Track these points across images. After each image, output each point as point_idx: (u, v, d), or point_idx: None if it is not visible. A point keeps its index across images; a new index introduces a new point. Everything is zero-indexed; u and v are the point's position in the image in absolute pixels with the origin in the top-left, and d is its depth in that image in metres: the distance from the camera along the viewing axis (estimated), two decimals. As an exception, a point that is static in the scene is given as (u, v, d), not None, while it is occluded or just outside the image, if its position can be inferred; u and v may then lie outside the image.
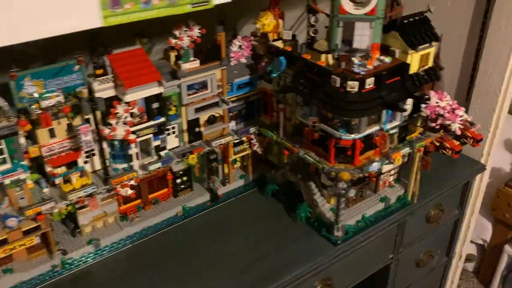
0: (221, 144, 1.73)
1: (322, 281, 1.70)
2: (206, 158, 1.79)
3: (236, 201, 1.89)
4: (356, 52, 1.51)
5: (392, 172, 1.86)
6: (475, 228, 2.95)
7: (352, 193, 1.56)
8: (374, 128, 1.53)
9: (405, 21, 1.53)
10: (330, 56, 1.53)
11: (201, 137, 1.73)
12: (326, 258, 1.63)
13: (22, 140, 1.38)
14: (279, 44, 1.67)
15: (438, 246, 2.28)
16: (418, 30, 1.54)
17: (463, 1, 2.01)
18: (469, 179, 2.13)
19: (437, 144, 1.79)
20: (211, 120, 1.74)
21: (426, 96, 1.56)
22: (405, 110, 1.46)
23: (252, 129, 1.79)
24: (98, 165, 1.57)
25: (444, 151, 1.80)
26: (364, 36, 1.48)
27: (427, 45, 1.54)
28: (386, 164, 1.62)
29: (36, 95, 1.36)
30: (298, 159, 1.75)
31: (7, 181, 1.34)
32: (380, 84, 1.41)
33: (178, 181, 1.80)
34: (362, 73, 1.39)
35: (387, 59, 1.46)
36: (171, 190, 1.81)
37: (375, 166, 1.57)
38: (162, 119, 1.57)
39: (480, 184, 2.24)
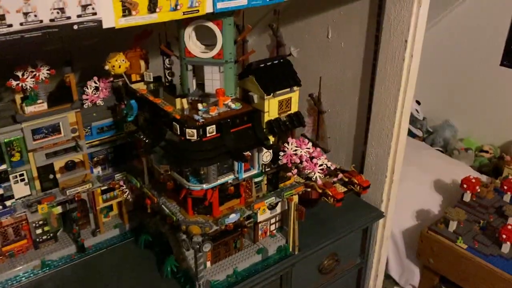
0: (77, 192, 1.60)
1: None
2: (67, 207, 1.66)
3: (107, 252, 1.75)
4: (209, 97, 1.42)
5: (272, 221, 1.75)
6: (402, 274, 2.85)
7: (207, 248, 1.43)
8: (228, 177, 1.42)
9: (262, 65, 1.45)
10: (185, 100, 1.44)
11: (57, 184, 1.60)
12: (186, 318, 1.50)
13: None
14: (141, 85, 1.57)
15: (343, 297, 2.16)
16: (276, 75, 1.45)
17: (354, 43, 1.96)
18: (367, 226, 2.03)
19: (320, 191, 1.69)
20: (69, 166, 1.61)
21: (281, 145, 1.47)
22: (246, 160, 1.36)
23: (118, 176, 1.68)
24: None
25: (327, 199, 1.70)
26: (215, 80, 1.40)
27: (286, 90, 1.46)
28: (248, 214, 1.51)
29: None
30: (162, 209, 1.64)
31: None
32: (224, 132, 1.32)
33: (39, 231, 1.66)
34: (202, 120, 1.30)
35: (235, 105, 1.37)
36: (30, 241, 1.66)
37: (232, 218, 1.46)
38: (3, 166, 1.45)
39: (384, 232, 2.14)
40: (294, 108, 1.50)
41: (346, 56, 2.01)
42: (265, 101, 1.43)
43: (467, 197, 2.61)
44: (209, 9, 1.14)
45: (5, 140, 1.44)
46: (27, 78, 1.43)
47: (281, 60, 1.48)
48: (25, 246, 1.66)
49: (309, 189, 1.68)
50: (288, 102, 1.48)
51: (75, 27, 0.94)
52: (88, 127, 1.60)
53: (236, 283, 1.61)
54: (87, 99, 1.54)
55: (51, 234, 1.70)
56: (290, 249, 1.73)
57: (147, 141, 1.39)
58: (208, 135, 1.30)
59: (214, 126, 1.30)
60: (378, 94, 1.89)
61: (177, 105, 1.44)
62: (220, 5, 1.14)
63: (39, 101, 1.48)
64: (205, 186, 1.38)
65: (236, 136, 1.34)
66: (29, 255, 1.66)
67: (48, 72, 1.45)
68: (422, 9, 1.67)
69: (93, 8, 0.95)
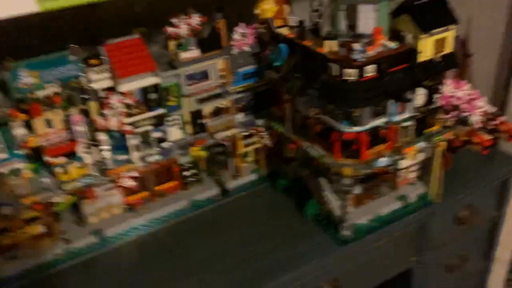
0: (225, 137, 1.68)
1: (329, 283, 1.61)
2: (214, 151, 1.75)
3: (246, 195, 1.83)
4: (361, 37, 1.40)
5: (413, 168, 1.71)
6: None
7: (357, 190, 1.45)
8: (380, 120, 1.40)
9: (417, 3, 1.38)
10: (334, 42, 1.42)
11: (204, 129, 1.68)
12: (331, 259, 1.54)
13: (21, 130, 1.41)
14: (285, 31, 1.58)
15: (473, 250, 2.10)
16: (432, 13, 1.39)
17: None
18: (507, 177, 1.93)
19: (465, 139, 1.63)
20: (216, 112, 1.69)
21: (439, 86, 1.41)
22: (409, 100, 1.33)
23: (259, 122, 1.72)
24: (98, 156, 1.57)
25: (473, 147, 1.63)
26: (369, 20, 1.36)
27: (442, 28, 1.39)
28: (397, 159, 1.49)
29: (32, 85, 1.37)
30: (307, 153, 1.66)
31: (4, 170, 1.37)
32: (383, 72, 1.29)
33: (187, 173, 1.77)
34: (362, 60, 1.28)
35: (392, 45, 1.33)
36: (179, 182, 1.78)
37: (383, 162, 1.45)
38: (161, 110, 1.54)
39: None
40: (448, 49, 1.43)
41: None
42: (421, 41, 1.37)
43: None
44: None
45: (165, 85, 1.52)
46: (181, 25, 1.49)
47: (437, -3, 1.40)
48: (175, 186, 1.78)
49: (454, 136, 1.62)
50: (443, 42, 1.41)
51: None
52: (234, 73, 1.64)
53: (377, 228, 1.61)
54: (235, 45, 1.58)
55: (197, 177, 1.80)
56: (431, 197, 1.70)
57: (298, 84, 1.40)
58: (366, 75, 1.28)
59: (373, 66, 1.28)
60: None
61: (326, 47, 1.43)
62: None
63: (191, 48, 1.54)
64: (357, 128, 1.37)
65: (393, 76, 1.31)
66: (178, 195, 1.78)
67: (199, 19, 1.50)
68: None
69: None
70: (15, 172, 1.39)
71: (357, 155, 1.46)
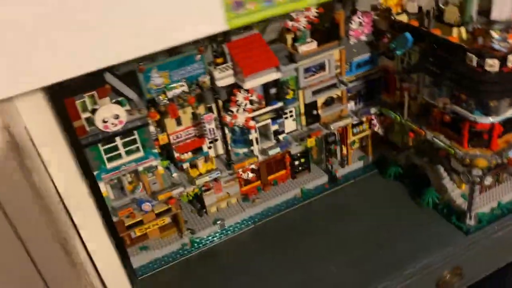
0: (339, 127, 1.68)
1: (452, 271, 1.60)
2: (324, 140, 1.76)
3: (355, 183, 1.84)
4: (494, 24, 1.34)
5: (534, 154, 1.65)
6: None
7: (488, 181, 1.42)
8: (516, 110, 1.36)
9: (559, -17, 1.30)
10: (463, 29, 1.38)
11: (318, 119, 1.69)
12: (457, 248, 1.53)
13: (151, 129, 1.46)
14: (403, 17, 1.54)
15: None
16: None
17: None
18: None
19: None
20: (329, 102, 1.69)
21: None
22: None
23: (373, 110, 1.71)
24: (220, 150, 1.62)
25: None
26: (505, 5, 1.30)
27: None
28: (528, 148, 1.44)
29: (163, 86, 1.42)
30: (425, 141, 1.64)
31: (140, 168, 1.44)
32: (525, 61, 1.24)
33: (296, 163, 1.80)
34: (504, 49, 1.23)
35: (534, 32, 1.27)
36: (289, 171, 1.81)
37: (516, 151, 1.40)
38: (280, 104, 1.56)
39: None
40: None
41: None
42: (561, 25, 1.30)
43: None
44: None
45: (284, 79, 1.53)
46: (300, 17, 1.48)
47: None
48: (285, 175, 1.81)
49: None
50: None
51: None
52: (348, 63, 1.63)
53: (501, 216, 1.58)
54: (352, 35, 1.56)
55: (306, 165, 1.82)
56: (555, 183, 1.64)
57: (435, 72, 1.36)
58: (509, 65, 1.23)
59: (516, 55, 1.23)
60: None
61: (454, 34, 1.39)
62: None
63: (308, 40, 1.54)
64: (493, 119, 1.33)
65: (536, 65, 1.25)
66: (289, 184, 1.81)
67: (317, 11, 1.49)
68: None
69: None
70: (150, 169, 1.45)
71: (486, 144, 1.43)
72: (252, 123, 1.49)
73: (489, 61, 1.23)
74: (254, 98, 1.47)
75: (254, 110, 1.52)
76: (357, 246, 1.57)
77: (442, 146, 1.47)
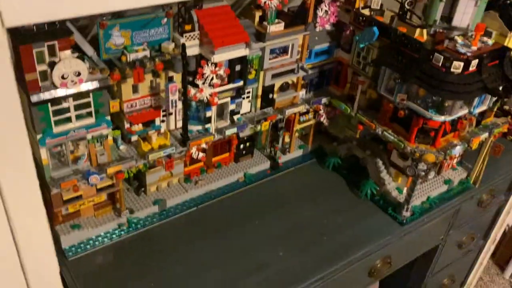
0: (293, 113, 1.67)
1: (383, 259, 1.70)
2: (273, 125, 1.74)
3: (296, 171, 1.85)
4: (454, 30, 1.44)
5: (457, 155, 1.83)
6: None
7: (431, 175, 1.53)
8: (463, 111, 1.48)
9: (508, 1, 1.45)
10: (424, 31, 1.46)
11: (272, 104, 1.67)
12: (393, 237, 1.62)
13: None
14: (366, 12, 1.59)
15: (479, 229, 2.29)
16: (519, 12, 1.46)
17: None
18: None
19: (505, 130, 1.76)
20: (284, 88, 1.67)
21: None
22: (501, 96, 1.41)
23: (324, 100, 1.73)
24: (172, 125, 1.51)
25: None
26: (467, 14, 1.41)
27: (526, 28, 1.47)
28: (466, 148, 1.58)
29: (123, 47, 1.28)
30: (367, 135, 1.71)
31: (89, 136, 1.28)
32: (481, 67, 1.36)
33: (241, 146, 1.75)
34: (468, 53, 1.33)
35: (490, 41, 1.40)
36: (233, 155, 1.76)
37: (457, 150, 1.53)
38: (241, 83, 1.51)
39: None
40: (526, 48, 1.52)
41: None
42: (507, 39, 1.45)
43: None
44: None
45: (250, 58, 1.48)
46: (273, -4, 1.44)
47: (523, -2, 1.48)
48: (228, 158, 1.75)
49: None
50: (524, 42, 1.49)
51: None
52: (308, 50, 1.63)
53: (429, 209, 1.72)
54: (319, 23, 1.56)
55: (250, 150, 1.79)
56: (472, 182, 1.83)
57: (400, 68, 1.42)
58: (470, 69, 1.34)
59: (477, 60, 1.33)
60: None
61: (417, 34, 1.46)
62: None
63: (276, 21, 1.51)
64: (446, 118, 1.44)
65: (490, 71, 1.38)
66: (232, 168, 1.76)
67: (288, -9, 1.46)
68: None
69: None
70: (100, 138, 1.30)
71: (431, 142, 1.53)
72: (216, 99, 1.42)
73: (455, 63, 1.31)
74: (221, 72, 1.39)
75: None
76: (299, 235, 1.57)
77: (391, 140, 1.55)
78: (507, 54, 1.41)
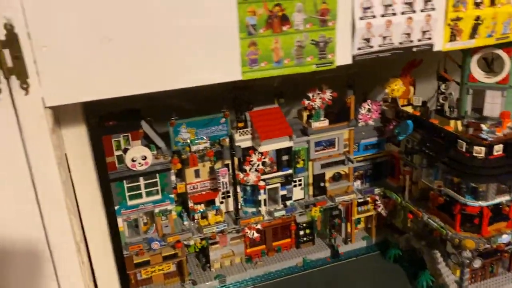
0: (344, 201, 1.81)
1: None
2: (329, 213, 1.88)
3: (356, 261, 1.91)
4: (486, 119, 1.51)
5: (527, 250, 1.71)
6: None
7: (477, 264, 1.49)
8: (504, 198, 1.47)
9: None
10: (459, 122, 1.55)
11: (325, 192, 1.83)
12: (445, 332, 1.55)
13: (172, 177, 1.64)
14: (409, 109, 1.73)
15: None
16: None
17: None
18: None
19: None
20: (336, 177, 1.83)
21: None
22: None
23: (376, 190, 1.84)
24: (231, 207, 1.76)
25: None
26: (495, 104, 1.48)
27: None
28: (519, 238, 1.52)
29: (188, 140, 1.62)
30: (423, 225, 1.74)
31: (156, 210, 1.60)
32: (509, 152, 1.38)
33: (301, 233, 1.90)
34: (490, 139, 1.38)
35: (520, 128, 1.43)
36: (293, 240, 1.91)
37: (505, 238, 1.49)
38: (290, 171, 1.72)
39: None
40: None
41: None
42: (544, 126, 1.45)
43: None
44: (515, 35, 1.24)
45: (297, 149, 1.71)
46: (316, 98, 1.69)
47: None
48: (289, 244, 1.91)
49: None
50: None
51: (414, 49, 1.13)
52: (356, 144, 1.80)
53: (493, 308, 1.61)
54: (361, 119, 1.75)
55: (310, 237, 1.92)
56: (551, 283, 1.67)
57: (424, 157, 1.51)
58: (494, 153, 1.37)
59: (501, 145, 1.37)
60: None
61: (451, 125, 1.55)
62: (528, 32, 1.23)
63: (321, 118, 1.74)
64: (482, 203, 1.44)
65: (520, 157, 1.39)
66: (292, 253, 1.90)
67: (331, 94, 1.70)
68: None
69: (429, 34, 1.13)
70: (165, 213, 1.61)
71: (477, 230, 1.52)
72: (262, 183, 1.65)
73: (476, 148, 1.37)
74: (266, 160, 1.64)
75: (266, 173, 1.68)
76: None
77: (435, 226, 1.57)
78: (541, 140, 1.41)
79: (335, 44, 1.08)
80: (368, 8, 1.05)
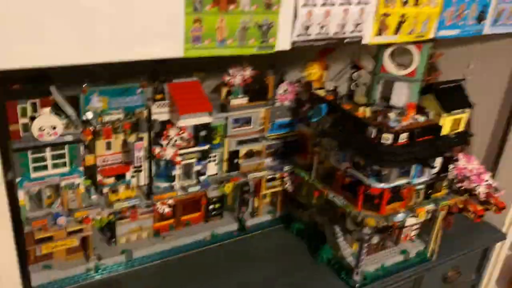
0: (256, 177, 1.85)
1: (335, 322, 1.76)
2: (240, 189, 1.91)
3: (262, 234, 1.98)
4: (392, 108, 1.64)
5: (414, 227, 1.93)
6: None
7: (375, 239, 1.64)
8: (402, 181, 1.62)
9: (441, 86, 1.65)
10: (368, 109, 1.65)
11: (238, 168, 1.85)
12: (343, 300, 1.70)
13: (81, 149, 1.53)
14: (321, 93, 1.80)
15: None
16: (452, 96, 1.65)
17: (496, 72, 2.12)
18: (488, 246, 2.17)
19: (461, 206, 1.87)
20: (250, 154, 1.87)
21: (455, 158, 1.66)
22: (433, 167, 1.56)
23: (286, 168, 1.91)
24: (142, 182, 1.70)
25: (467, 214, 1.87)
26: (402, 95, 1.61)
27: (460, 110, 1.65)
28: (410, 217, 1.70)
29: (100, 109, 1.52)
30: (327, 201, 1.85)
31: (63, 183, 1.48)
32: (413, 140, 1.52)
33: (211, 207, 1.92)
34: (397, 127, 1.51)
35: (421, 118, 1.58)
36: (203, 214, 1.92)
37: (399, 217, 1.65)
38: (207, 147, 1.71)
39: (500, 253, 2.27)
40: (461, 128, 1.69)
41: (485, 89, 2.17)
42: (441, 118, 1.62)
43: None
44: (431, 35, 1.35)
45: (214, 125, 1.70)
46: (236, 75, 1.69)
47: (456, 84, 1.68)
48: (198, 218, 1.91)
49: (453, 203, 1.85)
50: (459, 122, 1.67)
51: (346, 40, 1.18)
52: (271, 123, 1.84)
53: (382, 276, 1.80)
54: (278, 99, 1.79)
55: (219, 211, 1.94)
56: (428, 255, 1.91)
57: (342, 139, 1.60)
58: (400, 141, 1.50)
59: (406, 133, 1.51)
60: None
61: (361, 112, 1.66)
62: (441, 33, 1.35)
63: (240, 96, 1.74)
64: (384, 185, 1.58)
65: (421, 145, 1.54)
66: (200, 227, 1.91)
67: (252, 72, 1.71)
68: None
69: (361, 27, 1.18)
70: (72, 186, 1.50)
71: (376, 208, 1.66)
72: (178, 158, 1.62)
73: (384, 135, 1.49)
74: (184, 135, 1.61)
75: (182, 148, 1.65)
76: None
77: (340, 205, 1.69)
78: (437, 130, 1.58)
79: (277, 29, 1.08)
80: (311, -4, 1.07)
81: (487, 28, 1.47)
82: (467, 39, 2.15)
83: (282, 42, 1.10)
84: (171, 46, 0.97)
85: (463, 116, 1.67)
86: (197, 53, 0.99)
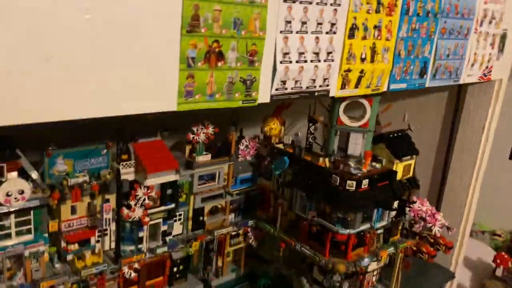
0: (221, 234, 1.85)
1: None
2: (206, 247, 1.89)
3: (227, 294, 1.95)
4: (349, 158, 1.75)
5: (375, 272, 2.00)
6: None
7: (346, 286, 1.68)
8: (366, 226, 1.71)
9: (391, 135, 1.80)
10: (327, 159, 1.76)
11: (203, 226, 1.84)
12: None
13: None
14: (280, 146, 1.89)
15: None
16: (401, 144, 1.80)
17: (429, 127, 2.35)
18: (442, 286, 2.30)
19: (415, 248, 1.98)
20: (214, 211, 1.87)
21: (412, 200, 1.78)
22: (394, 210, 1.66)
23: (250, 222, 1.93)
24: (107, 246, 1.64)
25: (421, 255, 1.98)
26: (358, 144, 1.73)
27: (409, 157, 1.80)
28: (373, 261, 1.77)
29: (64, 172, 1.47)
30: (292, 253, 1.88)
31: (27, 253, 1.39)
32: (373, 186, 1.63)
33: (175, 269, 1.86)
34: (359, 174, 1.61)
35: (377, 166, 1.70)
36: (166, 278, 1.85)
37: (366, 262, 1.72)
38: (173, 205, 1.70)
39: (451, 291, 2.41)
40: (411, 173, 1.84)
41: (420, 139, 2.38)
42: (394, 165, 1.76)
43: (499, 271, 2.90)
44: (385, 88, 1.50)
45: (181, 182, 1.70)
46: (200, 133, 1.73)
47: (403, 133, 1.84)
48: (162, 282, 1.85)
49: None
50: (409, 167, 1.82)
51: (316, 93, 1.28)
52: (234, 178, 1.88)
53: (353, 325, 1.82)
54: (241, 154, 1.84)
55: (184, 273, 1.90)
56: (391, 298, 1.98)
57: (307, 188, 1.67)
58: (362, 186, 1.60)
59: (367, 180, 1.61)
60: (454, 166, 2.25)
61: (321, 162, 1.75)
62: (392, 86, 1.51)
63: (204, 153, 1.77)
64: (350, 231, 1.65)
65: (380, 190, 1.65)
66: (165, 291, 1.84)
67: (213, 129, 1.76)
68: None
69: (328, 81, 1.30)
70: (36, 255, 1.41)
71: (343, 255, 1.72)
72: (147, 218, 1.59)
73: (349, 182, 1.58)
74: (152, 194, 1.59)
75: (149, 208, 1.63)
76: None
77: (308, 254, 1.73)
78: (394, 175, 1.70)
79: (259, 83, 1.15)
80: (287, 53, 1.16)
81: (428, 82, 1.66)
82: (401, 93, 2.39)
83: (263, 95, 1.18)
84: (165, 101, 1.00)
85: (411, 162, 1.82)
86: (188, 107, 1.03)
